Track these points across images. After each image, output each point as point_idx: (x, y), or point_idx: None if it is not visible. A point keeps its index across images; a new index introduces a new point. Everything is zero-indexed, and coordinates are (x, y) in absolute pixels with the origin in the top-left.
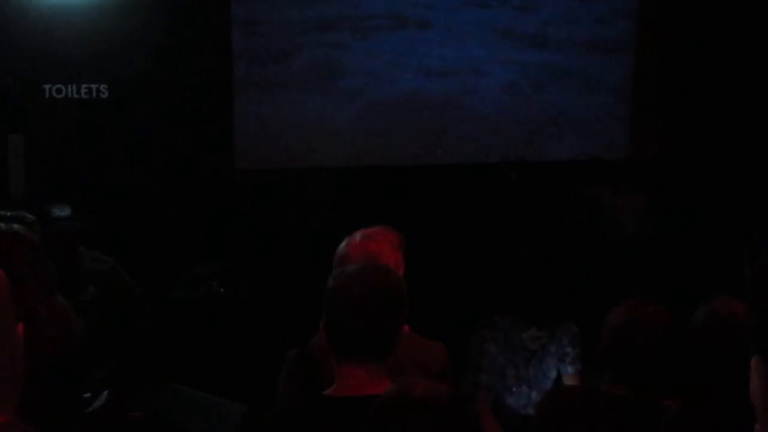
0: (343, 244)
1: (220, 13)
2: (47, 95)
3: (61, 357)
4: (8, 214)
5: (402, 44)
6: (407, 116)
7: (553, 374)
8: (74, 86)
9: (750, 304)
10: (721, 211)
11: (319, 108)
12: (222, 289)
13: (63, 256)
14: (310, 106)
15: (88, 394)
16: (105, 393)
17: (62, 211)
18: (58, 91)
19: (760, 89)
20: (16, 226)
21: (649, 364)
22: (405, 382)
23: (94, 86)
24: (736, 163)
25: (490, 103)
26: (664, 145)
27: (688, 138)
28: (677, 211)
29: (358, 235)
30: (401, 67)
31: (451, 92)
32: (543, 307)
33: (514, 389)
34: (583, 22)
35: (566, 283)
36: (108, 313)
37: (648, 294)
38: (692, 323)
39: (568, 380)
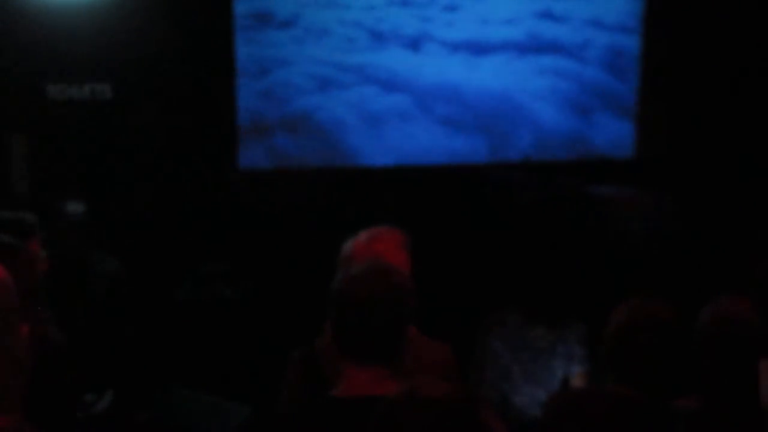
0: (348, 245)
1: (223, 12)
2: (49, 95)
3: (41, 366)
4: (8, 216)
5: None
6: None
7: (561, 374)
8: (77, 86)
9: (759, 306)
10: (728, 210)
11: None
12: (226, 290)
13: (71, 251)
14: None
15: (92, 396)
16: (109, 395)
17: (76, 208)
18: (61, 91)
19: (767, 87)
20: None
21: (653, 363)
22: (412, 382)
23: (96, 86)
24: (743, 162)
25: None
26: (671, 144)
27: (695, 136)
28: (684, 209)
29: (363, 236)
30: None
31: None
32: (551, 305)
33: (521, 388)
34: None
35: (574, 282)
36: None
37: (655, 293)
38: (698, 323)
39: (576, 380)
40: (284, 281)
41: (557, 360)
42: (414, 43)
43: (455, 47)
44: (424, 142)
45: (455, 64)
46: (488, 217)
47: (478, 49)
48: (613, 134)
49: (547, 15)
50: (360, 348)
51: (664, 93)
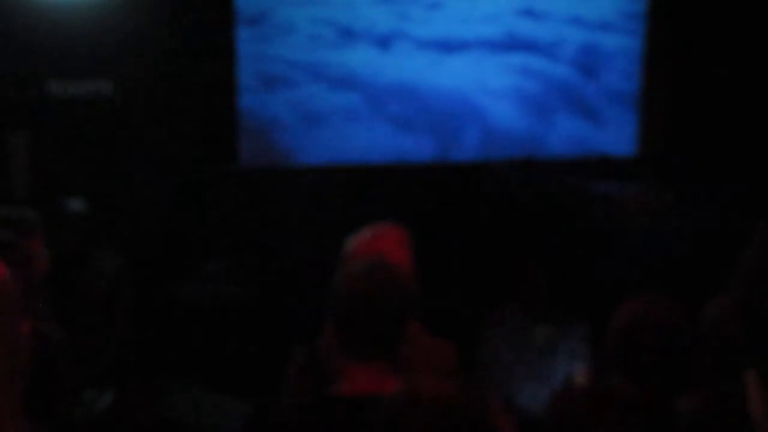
0: (350, 243)
1: (225, 9)
2: (50, 92)
3: (41, 364)
4: (9, 214)
5: None
6: None
7: (564, 372)
8: (78, 83)
9: (741, 317)
10: (730, 208)
11: None
12: (227, 288)
13: (72, 249)
14: None
15: (93, 394)
16: (109, 393)
17: (77, 205)
18: (62, 87)
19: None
20: (7, 234)
21: (656, 362)
22: (414, 381)
23: (98, 83)
24: (745, 159)
25: None
26: (673, 141)
27: (696, 134)
28: (686, 207)
29: (365, 233)
30: None
31: None
32: (553, 303)
33: (524, 387)
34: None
35: (576, 280)
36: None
37: (658, 291)
38: (701, 321)
39: (579, 378)
40: (285, 279)
41: (560, 358)
42: (384, 41)
43: (426, 45)
44: (365, 141)
45: (421, 63)
46: (490, 214)
47: (450, 47)
48: (571, 134)
49: (528, 12)
50: (361, 345)
51: (666, 89)
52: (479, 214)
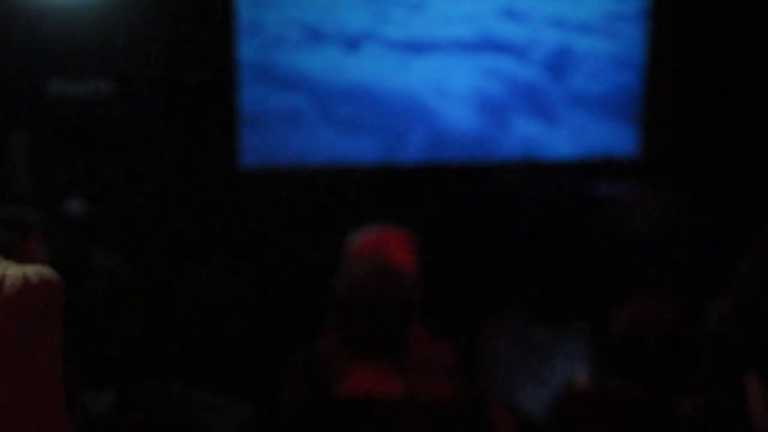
0: (351, 243)
1: (225, 9)
2: (51, 92)
3: None
4: (9, 214)
5: None
6: None
7: (565, 373)
8: (78, 82)
9: (740, 318)
10: (733, 209)
11: None
12: (227, 289)
13: (72, 249)
14: None
15: (92, 395)
16: (108, 394)
17: (77, 205)
18: (62, 87)
19: None
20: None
21: (658, 362)
22: (415, 382)
23: (98, 82)
24: (748, 161)
25: None
26: (676, 143)
27: (699, 135)
28: (688, 209)
29: (366, 234)
30: None
31: None
32: (554, 305)
33: (524, 388)
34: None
35: (576, 282)
36: (108, 311)
37: (659, 292)
38: (703, 322)
39: (580, 380)
40: (285, 280)
41: (560, 359)
42: (353, 43)
43: (396, 47)
44: (305, 144)
45: (385, 65)
46: (492, 216)
47: (420, 48)
48: (527, 136)
49: (510, 13)
50: (363, 345)
51: (669, 91)
52: (480, 216)
